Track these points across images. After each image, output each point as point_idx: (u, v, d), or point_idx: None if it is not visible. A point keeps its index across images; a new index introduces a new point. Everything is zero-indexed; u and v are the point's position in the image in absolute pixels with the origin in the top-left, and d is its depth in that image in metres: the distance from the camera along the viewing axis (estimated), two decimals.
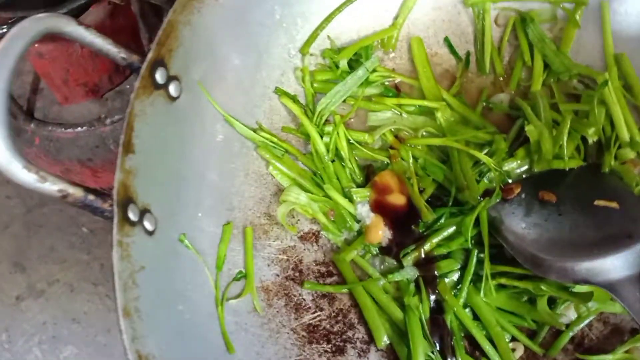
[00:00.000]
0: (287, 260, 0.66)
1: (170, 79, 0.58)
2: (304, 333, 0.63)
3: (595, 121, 0.69)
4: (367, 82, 0.72)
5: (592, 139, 0.69)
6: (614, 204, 0.62)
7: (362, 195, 0.67)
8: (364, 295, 0.64)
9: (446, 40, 0.76)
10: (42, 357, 0.75)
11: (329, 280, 0.66)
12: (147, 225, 0.54)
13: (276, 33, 0.69)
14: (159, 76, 0.56)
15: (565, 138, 0.67)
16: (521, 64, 0.74)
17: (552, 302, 0.63)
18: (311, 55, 0.71)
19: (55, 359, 0.75)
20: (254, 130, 0.67)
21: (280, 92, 0.69)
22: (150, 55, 0.56)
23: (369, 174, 0.70)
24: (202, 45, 0.61)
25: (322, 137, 0.69)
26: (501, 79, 0.75)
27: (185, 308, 0.55)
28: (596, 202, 0.63)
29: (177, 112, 0.59)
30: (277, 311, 0.63)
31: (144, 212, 0.54)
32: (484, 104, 0.73)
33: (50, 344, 0.75)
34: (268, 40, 0.68)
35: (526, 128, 0.68)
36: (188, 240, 0.58)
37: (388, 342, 0.62)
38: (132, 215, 0.52)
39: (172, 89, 0.58)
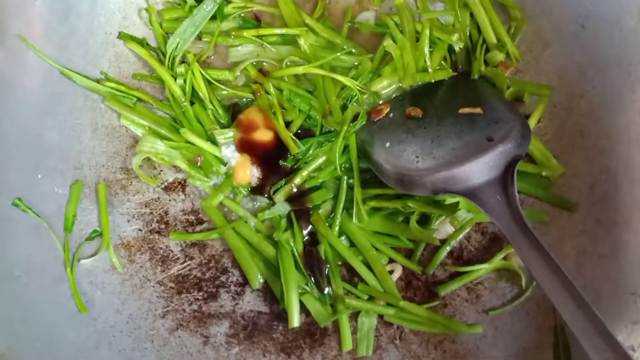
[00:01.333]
0: (151, 213, 0.62)
1: None
2: (171, 284, 0.60)
3: (460, 26, 0.66)
4: (222, 16, 0.67)
5: (457, 46, 0.66)
6: (478, 110, 0.59)
7: (226, 136, 0.64)
8: (235, 238, 0.61)
9: None
10: None
11: (199, 228, 0.62)
12: None
13: None
14: None
15: (426, 49, 0.64)
16: None
17: (426, 220, 0.61)
18: None
19: None
20: (98, 81, 0.62)
21: (125, 37, 0.64)
22: None
23: (234, 113, 0.66)
24: None
25: (176, 79, 0.64)
26: None
27: (24, 273, 0.52)
28: (460, 111, 0.60)
29: None
30: (141, 266, 0.60)
31: None
32: (349, 24, 0.69)
33: None
34: None
35: (385, 44, 0.64)
36: (26, 204, 0.55)
37: (263, 281, 0.60)
38: None
39: None
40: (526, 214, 0.59)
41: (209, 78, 0.65)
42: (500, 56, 0.66)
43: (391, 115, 0.63)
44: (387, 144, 0.60)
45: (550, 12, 0.65)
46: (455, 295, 0.60)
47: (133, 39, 0.65)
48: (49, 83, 0.59)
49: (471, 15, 0.67)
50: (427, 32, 0.63)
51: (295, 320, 0.56)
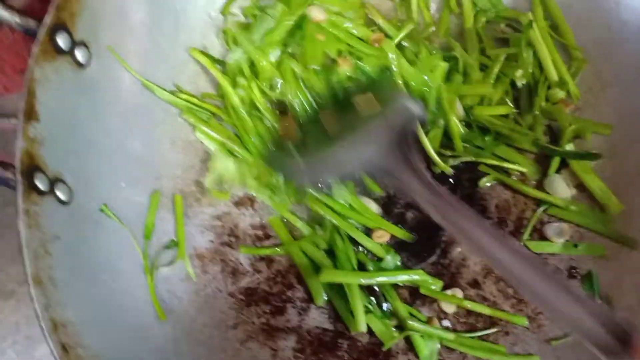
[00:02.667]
0: (222, 226, 0.64)
1: (75, 44, 0.55)
2: (241, 297, 0.61)
3: (524, 63, 0.69)
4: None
5: (520, 82, 0.69)
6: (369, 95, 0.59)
7: None
8: (300, 255, 0.62)
9: None
10: (16, 357, 0.73)
11: (266, 243, 0.64)
12: (60, 195, 0.52)
13: None
14: (62, 41, 0.54)
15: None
16: (448, 11, 0.72)
17: None
18: (232, 15, 0.69)
19: (30, 358, 0.73)
20: (174, 94, 0.64)
21: (194, 52, 0.66)
22: (47, 19, 0.53)
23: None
24: (111, 8, 0.58)
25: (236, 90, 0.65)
26: (432, 29, 0.74)
27: (109, 277, 0.54)
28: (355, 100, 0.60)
29: (88, 79, 0.56)
30: (213, 277, 0.61)
31: (55, 181, 0.51)
32: None
33: (23, 344, 0.74)
34: (185, 2, 0.66)
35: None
36: (111, 210, 0.57)
37: (326, 298, 0.61)
38: (41, 185, 0.49)
39: (79, 55, 0.55)
40: (586, 248, 0.63)
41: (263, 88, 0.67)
42: (561, 94, 0.69)
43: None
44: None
45: (611, 57, 0.68)
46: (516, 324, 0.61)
47: (201, 52, 0.66)
48: (134, 95, 0.61)
49: (534, 53, 0.71)
50: (497, 67, 0.67)
51: (362, 324, 0.57)
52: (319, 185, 0.61)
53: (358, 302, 0.58)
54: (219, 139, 0.65)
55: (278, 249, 0.63)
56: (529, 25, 0.69)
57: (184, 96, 0.64)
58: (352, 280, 0.59)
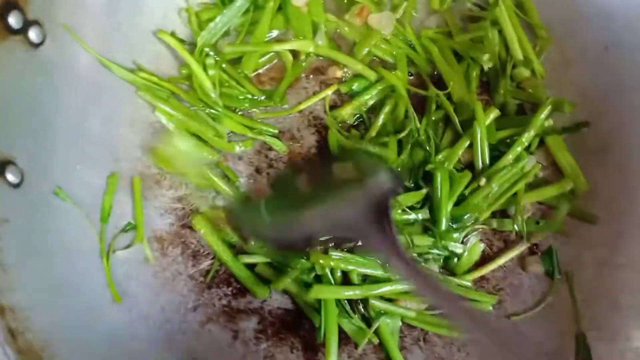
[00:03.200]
0: (183, 208, 0.63)
1: (28, 23, 0.53)
2: (202, 279, 0.61)
3: (490, 45, 0.68)
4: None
5: (487, 66, 0.68)
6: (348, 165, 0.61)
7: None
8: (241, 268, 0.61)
9: None
10: None
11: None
12: (10, 177, 0.50)
13: None
14: (13, 20, 0.52)
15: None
16: None
17: None
18: None
19: None
20: (132, 72, 0.63)
21: (162, 35, 0.65)
22: None
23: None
24: None
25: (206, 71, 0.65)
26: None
27: (63, 261, 0.53)
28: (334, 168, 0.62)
29: (42, 59, 0.55)
30: (173, 259, 0.61)
31: (5, 164, 0.50)
32: None
33: None
34: None
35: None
36: (66, 192, 0.56)
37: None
38: None
39: (33, 34, 0.54)
40: (546, 224, 0.63)
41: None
42: (526, 72, 0.69)
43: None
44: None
45: (575, 34, 0.68)
46: None
47: (170, 35, 0.65)
48: (92, 74, 0.60)
49: (499, 33, 0.70)
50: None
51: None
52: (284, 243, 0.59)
53: (332, 322, 0.57)
54: (178, 116, 0.64)
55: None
56: (495, 3, 0.68)
57: (144, 74, 0.63)
58: (340, 295, 0.59)
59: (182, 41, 0.67)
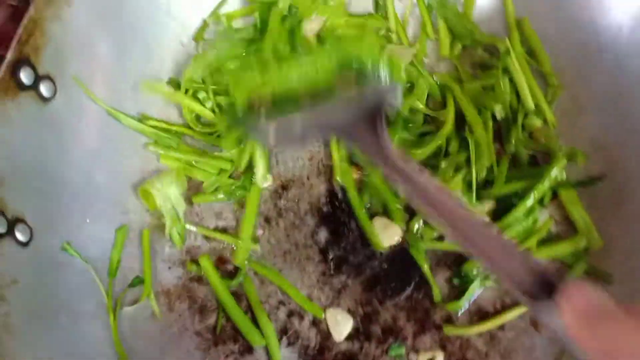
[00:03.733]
0: (191, 260, 0.62)
1: (40, 78, 0.54)
2: (209, 335, 0.60)
3: (501, 94, 0.68)
4: None
5: (500, 116, 0.68)
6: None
7: None
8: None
9: None
10: None
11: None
12: (20, 236, 0.51)
13: (165, 22, 0.66)
14: (25, 77, 0.53)
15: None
16: (425, 37, 0.71)
17: None
18: (206, 41, 0.67)
19: None
20: (140, 121, 0.63)
21: (146, 87, 0.64)
22: (9, 56, 0.52)
23: None
24: (77, 39, 0.57)
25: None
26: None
27: (69, 320, 0.52)
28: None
29: (52, 113, 0.55)
30: (180, 315, 0.60)
31: (15, 222, 0.50)
32: None
33: None
34: (156, 30, 0.65)
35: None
36: (74, 248, 0.55)
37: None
38: None
39: (44, 89, 0.55)
40: None
41: None
42: (538, 122, 0.68)
43: None
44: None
45: (587, 82, 0.67)
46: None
47: (152, 84, 0.64)
48: (101, 127, 0.60)
49: (510, 80, 0.70)
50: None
51: None
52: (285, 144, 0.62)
53: None
54: (184, 159, 0.63)
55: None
56: (507, 52, 0.68)
57: (152, 122, 0.63)
58: None
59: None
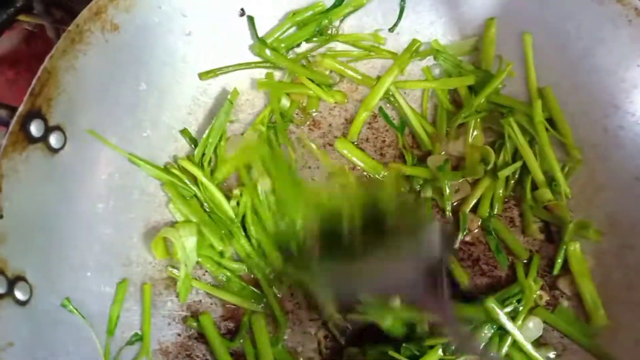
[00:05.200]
0: (191, 317, 0.61)
1: (50, 129, 0.53)
2: None
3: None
4: None
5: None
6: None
7: None
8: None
9: (381, 110, 0.70)
10: None
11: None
12: (19, 295, 0.49)
13: (181, 71, 0.64)
14: (35, 129, 0.52)
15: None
16: (444, 115, 0.69)
17: None
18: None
19: None
20: (164, 168, 0.63)
21: (185, 134, 0.65)
22: (21, 109, 0.51)
23: None
24: (91, 89, 0.57)
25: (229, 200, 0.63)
26: None
27: None
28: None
29: (60, 164, 0.54)
30: None
31: (15, 281, 0.49)
32: None
33: None
34: (172, 79, 0.64)
35: None
36: (74, 304, 0.54)
37: None
38: None
39: (54, 140, 0.54)
40: None
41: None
42: (548, 194, 0.66)
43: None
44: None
45: (606, 159, 0.65)
46: None
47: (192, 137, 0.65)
48: (108, 177, 0.59)
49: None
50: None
51: None
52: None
53: None
54: (191, 218, 0.62)
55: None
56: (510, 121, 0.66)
57: (175, 171, 0.62)
58: None
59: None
